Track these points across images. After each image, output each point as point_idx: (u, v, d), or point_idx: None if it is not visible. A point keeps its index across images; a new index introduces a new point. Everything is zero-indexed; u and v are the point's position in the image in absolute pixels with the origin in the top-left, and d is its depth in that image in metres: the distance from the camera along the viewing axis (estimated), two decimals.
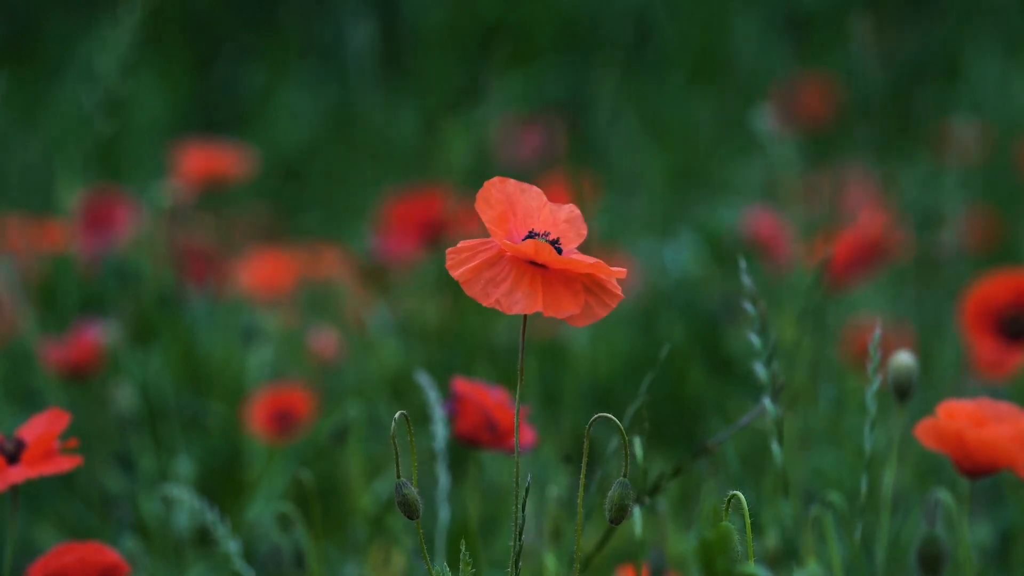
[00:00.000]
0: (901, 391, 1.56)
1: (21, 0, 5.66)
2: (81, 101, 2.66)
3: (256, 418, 2.30)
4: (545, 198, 1.30)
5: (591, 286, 1.27)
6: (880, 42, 4.84)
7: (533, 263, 1.26)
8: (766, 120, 2.84)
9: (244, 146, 3.61)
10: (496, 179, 1.29)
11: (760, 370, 1.51)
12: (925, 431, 1.48)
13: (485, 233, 1.30)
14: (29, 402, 2.51)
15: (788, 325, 2.48)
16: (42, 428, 1.48)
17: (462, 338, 2.68)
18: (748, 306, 1.51)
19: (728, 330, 2.79)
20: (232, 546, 1.60)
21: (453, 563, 1.68)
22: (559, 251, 1.28)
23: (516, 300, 1.25)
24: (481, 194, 1.27)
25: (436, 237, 2.96)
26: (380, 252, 3.13)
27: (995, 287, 2.18)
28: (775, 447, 1.51)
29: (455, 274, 1.26)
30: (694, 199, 4.25)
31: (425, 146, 4.34)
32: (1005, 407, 1.49)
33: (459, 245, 1.27)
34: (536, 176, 3.68)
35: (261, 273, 3.23)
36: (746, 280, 1.50)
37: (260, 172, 3.90)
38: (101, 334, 2.47)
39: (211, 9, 5.64)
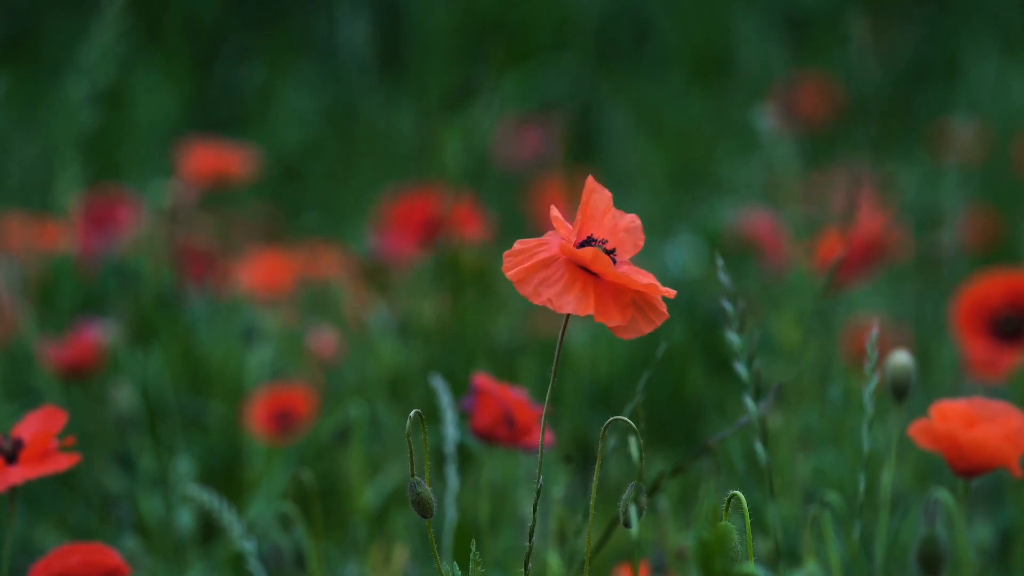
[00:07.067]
0: (899, 391, 1.56)
1: (21, 0, 5.66)
2: (78, 99, 2.66)
3: (256, 418, 2.30)
4: (611, 202, 1.31)
5: (639, 302, 1.28)
6: (879, 42, 4.84)
7: (587, 270, 1.27)
8: (766, 120, 2.84)
9: (245, 145, 3.61)
10: (589, 176, 1.30)
11: (741, 369, 1.52)
12: (919, 432, 1.48)
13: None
14: (29, 402, 2.51)
15: (787, 325, 2.47)
16: (39, 426, 1.47)
17: (462, 338, 2.68)
18: (727, 304, 1.52)
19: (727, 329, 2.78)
20: (247, 546, 1.60)
21: (455, 562, 1.68)
22: (614, 262, 1.28)
23: (567, 301, 1.25)
24: (588, 183, 1.29)
25: (435, 237, 2.96)
26: (380, 252, 3.13)
27: (988, 288, 2.18)
28: (758, 447, 1.52)
29: (509, 275, 1.26)
30: (694, 199, 4.25)
31: (424, 145, 4.34)
32: (998, 405, 1.49)
33: (515, 247, 1.27)
34: (535, 176, 3.68)
35: (261, 273, 3.22)
36: (723, 278, 1.50)
37: (260, 172, 3.90)
38: (101, 334, 2.47)
39: (211, 9, 5.64)
